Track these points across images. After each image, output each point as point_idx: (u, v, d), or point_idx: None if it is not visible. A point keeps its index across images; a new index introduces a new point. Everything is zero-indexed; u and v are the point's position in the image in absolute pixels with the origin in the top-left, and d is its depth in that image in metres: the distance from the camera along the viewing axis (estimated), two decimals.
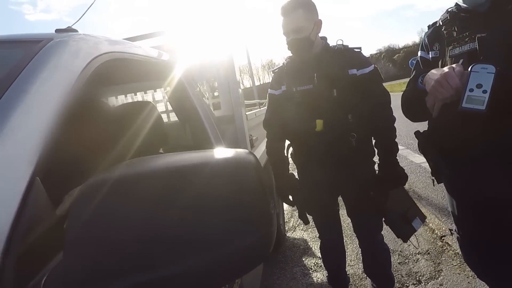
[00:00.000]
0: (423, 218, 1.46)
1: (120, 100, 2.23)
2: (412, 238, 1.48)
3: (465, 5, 1.11)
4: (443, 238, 2.45)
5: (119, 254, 0.38)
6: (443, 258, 2.21)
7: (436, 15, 1.28)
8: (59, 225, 0.48)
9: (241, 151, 0.46)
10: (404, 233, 1.45)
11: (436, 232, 2.56)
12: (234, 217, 0.40)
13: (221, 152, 0.45)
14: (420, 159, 4.48)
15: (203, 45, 1.73)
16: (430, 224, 2.71)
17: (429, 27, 1.30)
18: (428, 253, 2.31)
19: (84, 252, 0.38)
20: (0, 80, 0.55)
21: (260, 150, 2.22)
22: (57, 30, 0.77)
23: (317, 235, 1.86)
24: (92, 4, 1.04)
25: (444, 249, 2.31)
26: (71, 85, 0.63)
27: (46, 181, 0.50)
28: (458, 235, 1.35)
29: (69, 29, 0.80)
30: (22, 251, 0.41)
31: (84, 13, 0.95)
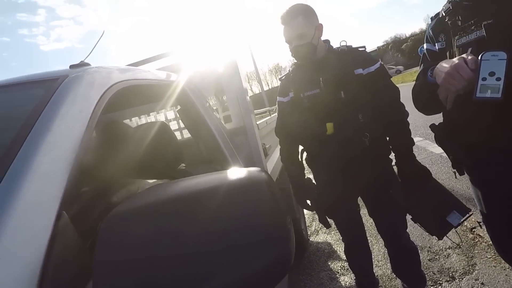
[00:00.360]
0: (463, 211, 1.28)
1: (134, 122, 2.30)
2: (451, 234, 1.31)
3: None
4: (473, 230, 2.36)
5: (146, 280, 0.40)
6: (476, 251, 2.13)
7: (440, 0, 1.24)
8: (88, 255, 0.50)
9: (253, 170, 0.47)
10: (437, 230, 1.32)
11: (466, 224, 2.47)
12: (252, 237, 0.41)
13: (234, 173, 0.46)
14: (440, 149, 4.34)
15: (207, 59, 1.77)
16: None
17: (432, 18, 1.28)
18: (459, 247, 2.23)
19: (113, 280, 0.41)
20: (25, 120, 0.59)
21: (275, 157, 2.22)
22: (71, 66, 0.82)
23: (341, 238, 1.83)
24: (101, 36, 1.09)
25: (476, 242, 2.23)
26: (89, 116, 0.67)
27: (72, 213, 0.53)
28: (487, 227, 1.30)
29: (82, 64, 0.84)
30: (55, 285, 0.44)
31: (95, 45, 1.00)
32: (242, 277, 0.39)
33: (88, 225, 0.60)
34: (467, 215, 1.26)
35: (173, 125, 2.34)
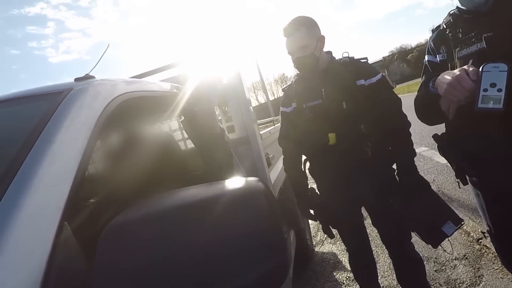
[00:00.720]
0: (457, 221, 1.33)
1: (140, 133, 2.32)
2: (445, 244, 1.37)
3: (464, 8, 1.11)
4: (480, 240, 2.31)
5: None
6: (483, 262, 2.08)
7: (446, 10, 1.25)
8: (89, 265, 0.51)
9: (250, 180, 0.48)
10: (433, 239, 1.35)
11: (472, 235, 2.43)
12: (249, 246, 0.42)
13: (232, 183, 0.47)
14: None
15: (212, 70, 1.79)
16: (465, 227, 2.57)
17: (433, 31, 1.30)
18: (466, 257, 2.19)
19: None
20: (30, 132, 0.61)
21: (278, 167, 2.22)
22: (76, 79, 0.84)
23: (345, 248, 1.82)
24: (106, 49, 1.12)
25: (483, 252, 2.18)
26: (92, 128, 0.68)
27: (74, 224, 0.54)
28: (491, 237, 1.29)
29: (86, 77, 0.86)
30: None
31: (100, 58, 1.02)
32: (239, 285, 0.39)
33: (91, 236, 0.61)
34: (460, 225, 1.32)
35: (177, 136, 2.37)
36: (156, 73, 1.82)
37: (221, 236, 0.41)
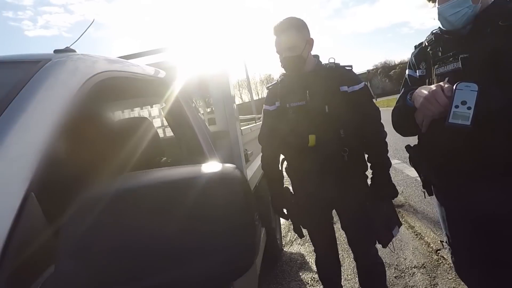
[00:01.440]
0: (400, 225, 1.60)
1: (117, 115, 2.26)
2: (390, 244, 1.59)
3: (445, 29, 1.17)
4: (438, 251, 2.45)
5: (111, 265, 0.40)
6: (439, 272, 2.20)
7: (430, 32, 1.33)
8: (53, 238, 0.49)
9: (227, 165, 0.48)
10: (385, 240, 1.55)
11: (432, 245, 2.56)
12: (220, 229, 0.42)
13: (209, 167, 0.47)
14: (416, 173, 4.50)
15: (199, 62, 1.78)
16: (426, 238, 2.71)
17: (415, 47, 1.36)
18: (424, 266, 2.30)
19: (75, 266, 0.40)
20: (1, 99, 0.58)
21: (256, 164, 2.24)
22: (56, 51, 0.81)
23: (313, 249, 1.86)
24: (90, 24, 1.09)
25: (440, 263, 2.31)
26: (68, 103, 0.66)
27: (42, 196, 0.52)
28: (449, 246, 1.36)
29: (67, 49, 0.83)
30: (16, 264, 0.43)
31: (83, 33, 0.99)
32: (207, 266, 0.40)
33: (60, 210, 0.59)
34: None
35: (156, 123, 2.32)
36: (141, 57, 1.78)
37: (194, 216, 0.41)
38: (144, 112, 2.35)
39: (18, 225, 0.44)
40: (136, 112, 2.32)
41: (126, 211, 0.42)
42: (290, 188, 1.73)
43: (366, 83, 1.55)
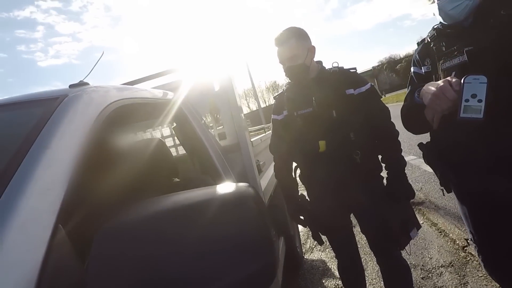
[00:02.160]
0: (419, 227, 1.55)
1: (131, 138, 2.33)
2: (408, 247, 1.55)
3: (446, 23, 1.17)
4: (465, 248, 2.37)
5: None
6: (468, 270, 2.13)
7: (433, 22, 1.32)
8: (83, 269, 0.52)
9: (240, 185, 0.50)
10: (402, 243, 1.52)
11: (458, 242, 2.49)
12: (239, 249, 0.44)
13: (222, 188, 0.49)
14: None
15: (204, 77, 1.82)
16: (451, 235, 2.63)
17: (418, 44, 1.36)
18: (452, 265, 2.24)
19: None
20: (25, 137, 0.62)
21: (269, 174, 2.25)
22: (71, 86, 0.85)
23: (335, 255, 1.84)
24: (101, 56, 1.14)
25: (468, 260, 2.23)
26: (86, 134, 0.70)
27: (70, 226, 0.55)
28: (474, 244, 1.33)
29: (81, 83, 0.88)
30: None
31: (94, 66, 1.04)
32: (229, 284, 0.41)
33: (85, 239, 0.62)
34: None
35: (169, 142, 2.38)
36: (148, 80, 1.84)
37: (212, 238, 0.43)
38: (157, 133, 2.41)
39: (49, 258, 0.47)
40: (149, 134, 2.38)
41: (148, 237, 0.44)
42: (305, 194, 1.73)
43: (372, 84, 1.56)
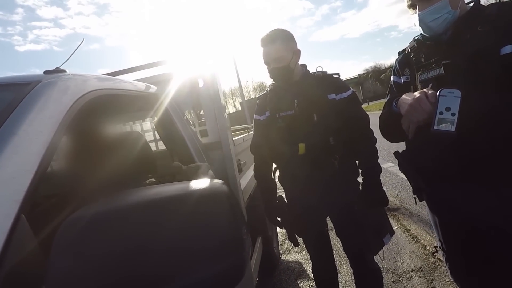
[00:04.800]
0: (392, 233, 1.60)
1: (110, 130, 2.27)
2: (381, 252, 1.60)
3: (427, 35, 1.21)
4: (435, 254, 2.46)
5: (102, 285, 0.41)
6: (436, 275, 2.22)
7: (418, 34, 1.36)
8: (44, 260, 0.50)
9: (215, 182, 0.49)
10: (375, 248, 1.56)
11: (428, 248, 2.58)
12: (209, 245, 0.43)
13: (196, 184, 0.49)
14: None
15: (191, 70, 1.79)
16: (422, 241, 2.72)
17: (399, 53, 1.39)
18: (422, 270, 2.31)
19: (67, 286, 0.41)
20: None
21: (250, 174, 2.25)
22: (46, 72, 0.82)
23: (310, 257, 1.86)
24: (80, 44, 1.11)
25: (437, 265, 2.32)
26: (59, 123, 0.67)
27: (33, 216, 0.53)
28: (442, 251, 1.38)
29: (57, 70, 0.85)
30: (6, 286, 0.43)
31: (72, 53, 1.00)
32: (197, 281, 0.41)
33: (50, 231, 0.60)
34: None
35: (149, 136, 2.33)
36: (132, 72, 1.80)
37: (182, 234, 0.43)
38: (137, 127, 2.36)
39: (9, 248, 0.45)
40: (129, 127, 2.33)
41: (115, 231, 0.43)
42: (283, 196, 1.74)
43: (354, 90, 1.59)
